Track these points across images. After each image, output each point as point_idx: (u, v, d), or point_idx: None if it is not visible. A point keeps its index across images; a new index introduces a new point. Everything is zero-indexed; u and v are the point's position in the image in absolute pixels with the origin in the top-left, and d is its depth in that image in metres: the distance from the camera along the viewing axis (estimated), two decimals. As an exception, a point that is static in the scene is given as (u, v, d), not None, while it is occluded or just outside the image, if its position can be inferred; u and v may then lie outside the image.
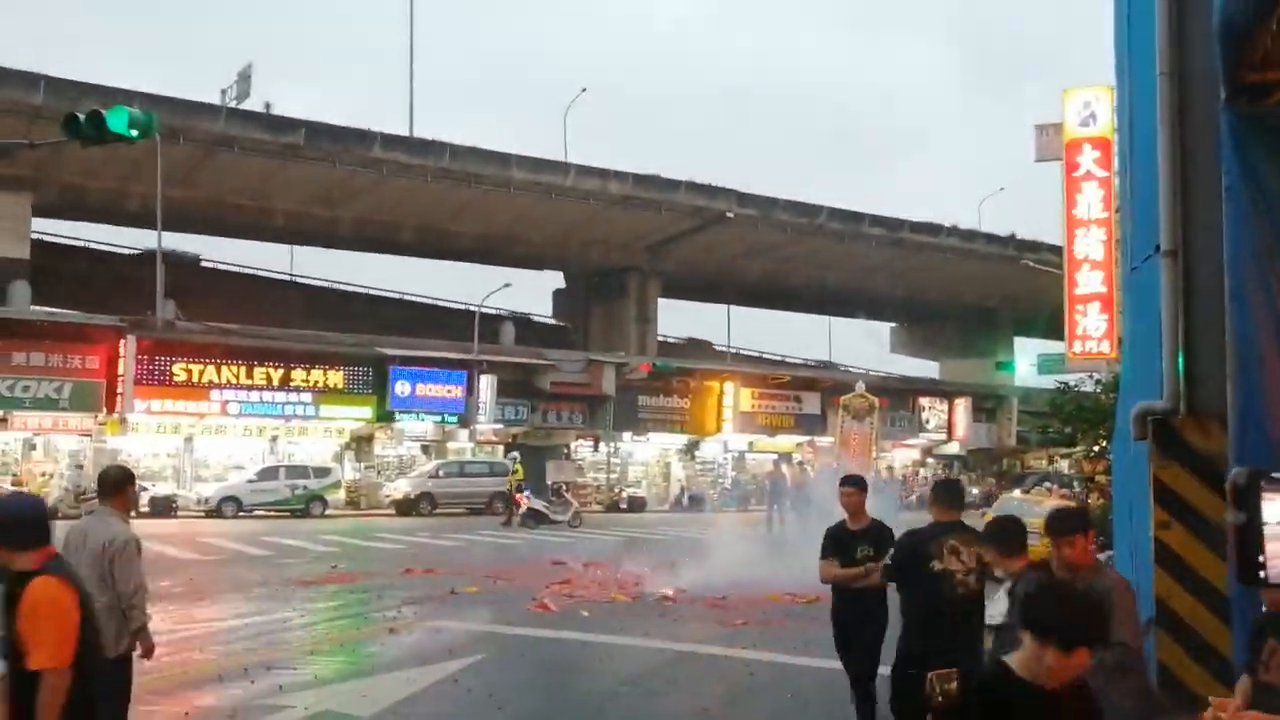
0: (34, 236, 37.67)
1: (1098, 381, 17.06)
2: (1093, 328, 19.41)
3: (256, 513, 29.86)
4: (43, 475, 30.41)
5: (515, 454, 34.50)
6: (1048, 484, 24.23)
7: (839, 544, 6.63)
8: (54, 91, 31.33)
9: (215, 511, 29.32)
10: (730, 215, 44.57)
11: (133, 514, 21.53)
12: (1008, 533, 4.96)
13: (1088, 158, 19.67)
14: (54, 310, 36.33)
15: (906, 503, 32.61)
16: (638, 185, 42.83)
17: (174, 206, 34.53)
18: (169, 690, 8.37)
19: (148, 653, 5.53)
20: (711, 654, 10.44)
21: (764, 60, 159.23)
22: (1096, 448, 16.58)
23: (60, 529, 6.52)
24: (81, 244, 43.68)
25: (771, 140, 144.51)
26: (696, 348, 53.46)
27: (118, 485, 5.57)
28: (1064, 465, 30.18)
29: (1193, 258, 5.57)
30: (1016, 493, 23.34)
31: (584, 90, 46.32)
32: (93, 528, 5.40)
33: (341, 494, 32.78)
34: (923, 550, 5.49)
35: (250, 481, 30.86)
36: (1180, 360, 5.60)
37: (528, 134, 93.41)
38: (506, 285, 41.35)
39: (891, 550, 6.00)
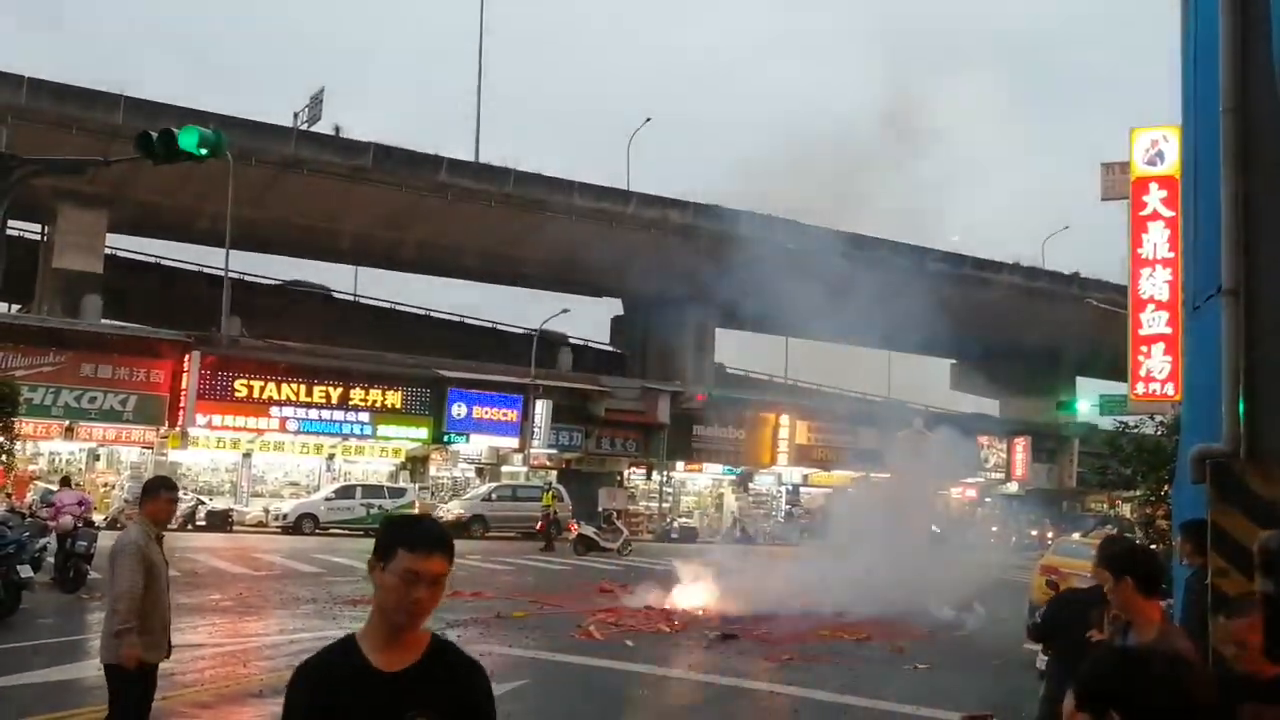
0: (107, 252, 38.69)
1: (1160, 423, 16.62)
2: (1157, 369, 18.89)
3: (332, 530, 30.29)
4: (105, 486, 31.10)
5: (551, 480, 34.69)
6: (1108, 526, 23.69)
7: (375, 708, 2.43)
8: (133, 111, 32.26)
9: (293, 528, 29.92)
10: (791, 248, 44.39)
11: (176, 525, 21.44)
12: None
13: (1154, 197, 19.24)
14: (122, 324, 37.18)
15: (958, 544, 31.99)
16: (698, 215, 42.88)
17: (244, 226, 35.25)
18: (211, 704, 8.46)
19: (128, 659, 5.29)
20: (757, 689, 10.30)
21: (811, 90, 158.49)
22: (1160, 492, 16.16)
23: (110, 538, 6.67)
24: (153, 260, 44.77)
25: (823, 170, 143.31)
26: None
27: (149, 492, 5.73)
28: (1126, 509, 29.48)
29: (1255, 298, 5.41)
30: (1075, 535, 22.85)
31: (649, 120, 46.68)
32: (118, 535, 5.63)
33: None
34: (1080, 614, 4.49)
35: (327, 499, 31.44)
36: (1241, 402, 5.43)
37: (588, 161, 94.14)
38: (565, 311, 41.55)
39: (1042, 608, 4.96)
